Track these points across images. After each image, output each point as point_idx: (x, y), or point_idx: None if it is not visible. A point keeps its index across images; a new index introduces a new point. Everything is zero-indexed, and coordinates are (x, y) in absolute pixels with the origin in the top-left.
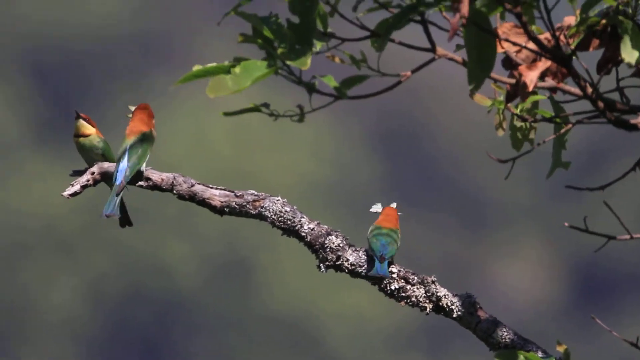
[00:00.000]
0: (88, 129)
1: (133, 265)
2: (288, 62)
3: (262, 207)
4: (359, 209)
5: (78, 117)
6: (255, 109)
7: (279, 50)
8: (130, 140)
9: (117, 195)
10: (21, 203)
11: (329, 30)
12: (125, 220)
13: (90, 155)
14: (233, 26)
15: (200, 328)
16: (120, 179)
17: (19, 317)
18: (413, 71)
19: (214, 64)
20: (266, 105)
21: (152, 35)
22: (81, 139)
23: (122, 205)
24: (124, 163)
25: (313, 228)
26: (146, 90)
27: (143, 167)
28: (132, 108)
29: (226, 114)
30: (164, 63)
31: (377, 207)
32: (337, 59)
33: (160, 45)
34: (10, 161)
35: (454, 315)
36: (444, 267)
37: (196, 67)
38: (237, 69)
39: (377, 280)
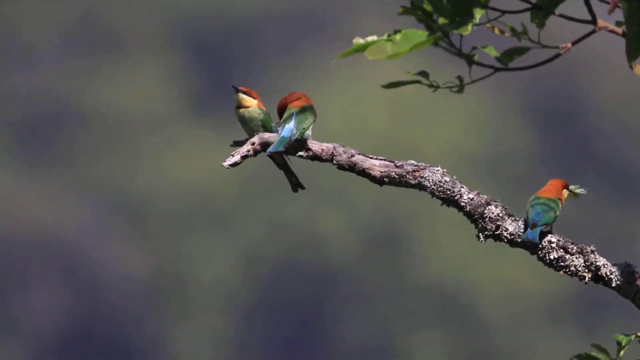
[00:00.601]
0: (248, 101)
1: (288, 236)
2: (449, 30)
3: (421, 177)
4: (511, 181)
5: (237, 91)
6: (415, 80)
7: (440, 21)
8: (295, 108)
9: (283, 139)
10: (180, 174)
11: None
12: (296, 184)
13: (250, 126)
14: (385, 3)
15: (354, 299)
16: (288, 132)
17: (175, 289)
18: (573, 43)
19: (374, 38)
20: (425, 74)
21: (305, 13)
22: (241, 110)
23: (290, 170)
24: (291, 124)
25: (472, 198)
26: (299, 64)
27: (308, 134)
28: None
29: (386, 86)
30: (317, 38)
31: (581, 190)
32: (496, 30)
33: (314, 21)
34: (170, 133)
35: (613, 285)
36: (601, 238)
37: (356, 41)
38: (397, 36)
39: (535, 250)
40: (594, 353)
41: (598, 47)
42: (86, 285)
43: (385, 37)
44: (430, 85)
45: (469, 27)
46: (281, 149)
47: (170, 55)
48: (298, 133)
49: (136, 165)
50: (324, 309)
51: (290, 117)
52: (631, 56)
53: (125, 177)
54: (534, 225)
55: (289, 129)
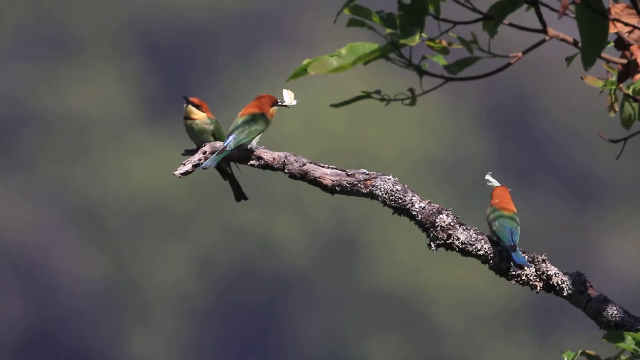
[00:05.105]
0: (196, 113)
1: (243, 240)
2: (398, 41)
3: (373, 186)
4: (467, 186)
5: (187, 102)
6: (366, 96)
7: (387, 31)
8: (241, 118)
9: (217, 155)
10: (136, 178)
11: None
12: (240, 194)
13: (199, 138)
14: (339, 5)
15: (308, 303)
16: (225, 144)
17: (131, 292)
18: (524, 52)
19: (325, 56)
20: (377, 91)
21: (260, 15)
22: (188, 122)
23: (235, 180)
24: (232, 136)
25: (424, 207)
26: (256, 67)
27: (253, 146)
28: (288, 95)
29: (336, 105)
30: (273, 41)
31: (492, 180)
32: (444, 43)
33: (269, 24)
34: (127, 137)
35: (564, 294)
36: (553, 245)
37: (306, 61)
38: (342, 50)
39: (488, 259)
40: None
41: (551, 54)
42: (42, 288)
43: (334, 52)
44: (382, 99)
45: (417, 37)
46: (212, 164)
47: (128, 59)
48: (235, 144)
49: (93, 169)
50: (278, 313)
51: (234, 128)
52: (587, 63)
53: (81, 181)
54: (514, 248)
55: (227, 141)
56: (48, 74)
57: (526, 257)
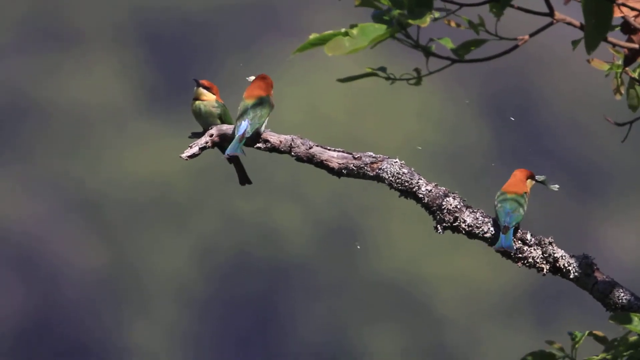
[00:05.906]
0: (206, 95)
1: (243, 229)
2: (408, 21)
3: (380, 169)
4: (466, 175)
5: (198, 84)
6: (372, 73)
7: (396, 12)
8: (250, 101)
9: (240, 142)
10: (136, 167)
11: None
12: (244, 178)
13: (206, 120)
14: None
15: (308, 292)
16: (242, 130)
17: (131, 281)
18: (531, 35)
19: (330, 32)
20: (383, 69)
21: (261, 7)
22: (197, 102)
23: (240, 164)
24: (246, 121)
25: (430, 190)
26: (255, 56)
27: (262, 129)
28: (252, 78)
29: (342, 80)
30: (272, 31)
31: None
32: (453, 23)
33: (270, 14)
34: (127, 127)
35: (571, 276)
36: (554, 235)
37: (313, 36)
38: (354, 31)
39: (494, 242)
40: (548, 349)
41: (552, 43)
42: (43, 278)
43: (342, 31)
44: (387, 78)
45: (427, 18)
46: (239, 152)
47: (127, 50)
48: (252, 130)
49: (93, 159)
50: (278, 301)
51: (244, 112)
52: (590, 46)
53: (81, 171)
54: (506, 229)
55: (244, 126)
56: (48, 66)
57: (533, 239)
